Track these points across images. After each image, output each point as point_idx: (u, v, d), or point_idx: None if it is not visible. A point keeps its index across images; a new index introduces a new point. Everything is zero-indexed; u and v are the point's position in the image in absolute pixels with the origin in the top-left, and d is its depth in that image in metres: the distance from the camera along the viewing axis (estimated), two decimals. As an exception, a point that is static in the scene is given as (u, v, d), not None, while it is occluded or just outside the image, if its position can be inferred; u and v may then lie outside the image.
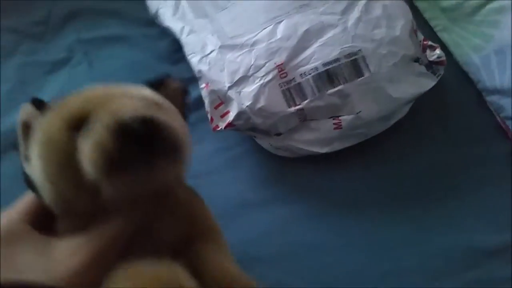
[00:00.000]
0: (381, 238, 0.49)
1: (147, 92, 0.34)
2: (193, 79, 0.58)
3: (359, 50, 0.50)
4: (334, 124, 0.51)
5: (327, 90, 0.50)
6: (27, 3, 0.72)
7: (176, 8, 0.60)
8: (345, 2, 0.53)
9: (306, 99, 0.50)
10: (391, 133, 0.54)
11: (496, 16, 0.59)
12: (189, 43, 0.56)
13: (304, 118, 0.51)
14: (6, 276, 0.28)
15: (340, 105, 0.50)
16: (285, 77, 0.50)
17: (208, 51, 0.54)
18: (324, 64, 0.50)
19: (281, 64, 0.50)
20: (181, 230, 0.35)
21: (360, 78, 0.50)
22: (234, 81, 0.51)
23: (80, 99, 0.31)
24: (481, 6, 0.61)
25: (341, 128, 0.51)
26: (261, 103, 0.50)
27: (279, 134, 0.52)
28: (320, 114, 0.51)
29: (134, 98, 0.31)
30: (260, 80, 0.50)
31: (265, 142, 0.54)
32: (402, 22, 0.53)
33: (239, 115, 0.50)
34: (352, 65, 0.50)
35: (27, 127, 0.32)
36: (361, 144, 0.53)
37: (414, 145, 0.55)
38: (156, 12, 0.63)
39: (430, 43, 0.56)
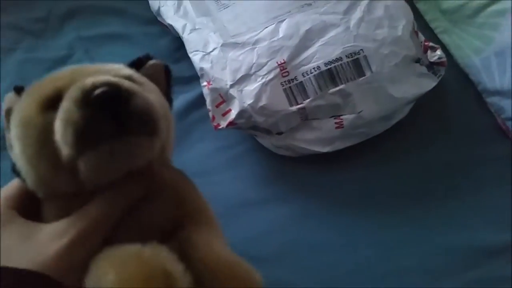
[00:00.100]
0: (382, 237, 0.49)
1: (125, 70, 0.33)
2: (194, 77, 0.58)
3: (361, 49, 0.51)
4: (335, 123, 0.51)
5: (329, 89, 0.50)
6: (28, 1, 0.72)
7: (178, 6, 0.60)
8: (347, 2, 0.53)
9: (307, 98, 0.50)
10: (392, 133, 0.54)
11: (496, 18, 0.59)
12: (191, 41, 0.56)
13: (305, 117, 0.51)
14: None
15: (341, 105, 0.50)
16: (287, 75, 0.50)
17: (210, 49, 0.54)
18: (326, 63, 0.50)
19: (283, 62, 0.50)
20: (169, 212, 0.34)
21: (362, 78, 0.50)
22: (236, 79, 0.51)
23: (53, 79, 0.31)
24: (481, 9, 0.61)
25: (343, 127, 0.51)
26: (263, 101, 0.50)
27: (280, 133, 0.52)
28: (322, 113, 0.51)
29: (108, 74, 0.31)
30: (262, 79, 0.50)
31: (266, 141, 0.54)
32: (403, 22, 0.53)
33: (240, 113, 0.50)
34: (354, 65, 0.50)
35: (9, 114, 0.32)
36: (362, 144, 0.53)
37: (415, 145, 0.56)
38: (158, 10, 0.63)
39: (431, 44, 0.56)
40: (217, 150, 0.57)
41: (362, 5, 0.53)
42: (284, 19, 0.53)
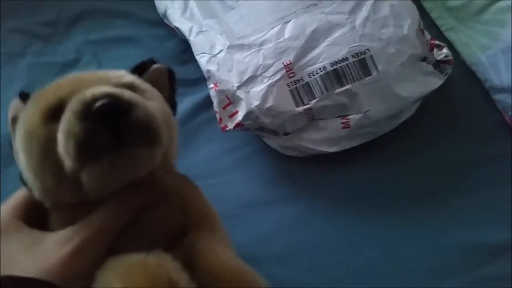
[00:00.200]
0: (388, 237, 0.49)
1: (127, 77, 0.33)
2: (201, 79, 0.58)
3: (367, 49, 0.51)
4: (342, 123, 0.51)
5: (335, 90, 0.50)
6: (35, 5, 0.73)
7: (185, 8, 0.60)
8: (352, 1, 0.54)
9: (314, 99, 0.50)
10: (399, 132, 0.54)
11: (502, 15, 0.59)
12: (197, 43, 0.57)
13: (312, 117, 0.51)
14: None
15: (348, 104, 0.51)
16: (293, 76, 0.50)
17: (217, 51, 0.54)
18: (332, 64, 0.50)
19: (289, 63, 0.50)
20: (174, 219, 0.34)
21: (368, 77, 0.50)
22: (243, 81, 0.51)
23: (56, 88, 0.31)
24: (487, 5, 0.61)
25: (349, 127, 0.51)
26: (270, 102, 0.50)
27: (287, 134, 0.52)
28: (328, 113, 0.51)
29: (110, 83, 0.31)
30: (268, 80, 0.50)
31: (273, 142, 0.54)
32: (409, 21, 0.53)
33: (247, 115, 0.51)
34: (360, 64, 0.50)
35: (15, 122, 0.32)
36: (369, 143, 0.53)
37: (421, 144, 0.56)
38: (165, 12, 0.64)
39: (437, 42, 0.56)
40: (225, 151, 0.57)
41: (368, 5, 0.53)
42: (290, 20, 0.53)
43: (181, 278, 0.28)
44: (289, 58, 0.51)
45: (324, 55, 0.51)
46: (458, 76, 0.59)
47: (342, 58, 0.50)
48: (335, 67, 0.50)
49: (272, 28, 0.53)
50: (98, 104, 0.27)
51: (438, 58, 0.55)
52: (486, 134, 0.56)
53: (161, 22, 0.67)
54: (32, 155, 0.30)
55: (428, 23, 0.64)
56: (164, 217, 0.33)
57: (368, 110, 0.50)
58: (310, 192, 0.53)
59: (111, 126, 0.27)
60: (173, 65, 0.64)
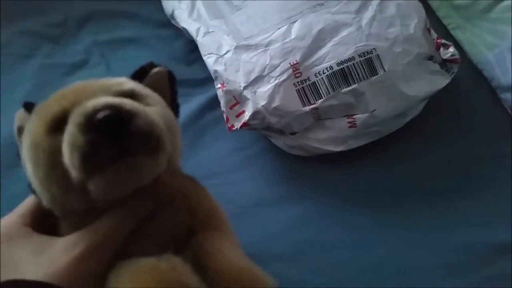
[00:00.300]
0: (395, 235, 0.49)
1: (128, 84, 0.34)
2: (208, 79, 0.58)
3: (374, 48, 0.51)
4: (348, 122, 0.51)
5: (342, 89, 0.50)
6: (44, 7, 0.74)
7: (192, 9, 0.61)
8: (359, 1, 0.54)
9: (320, 98, 0.50)
10: (406, 131, 0.54)
11: (509, 13, 0.59)
12: (205, 43, 0.57)
13: (318, 117, 0.51)
14: (3, 276, 0.29)
15: (354, 104, 0.51)
16: (299, 76, 0.51)
17: (224, 52, 0.54)
18: (339, 63, 0.50)
19: (296, 63, 0.51)
20: (181, 220, 0.34)
21: (375, 77, 0.50)
22: (250, 81, 0.52)
23: (59, 98, 0.32)
24: (494, 4, 0.61)
25: (356, 126, 0.51)
26: (276, 102, 0.50)
27: (294, 133, 0.52)
28: (335, 112, 0.51)
29: (111, 91, 0.31)
30: (275, 80, 0.51)
31: (280, 141, 0.55)
32: (415, 20, 0.53)
33: (254, 114, 0.51)
34: (367, 64, 0.50)
35: (21, 132, 0.33)
36: (376, 143, 0.53)
37: (428, 143, 0.55)
38: (172, 13, 0.64)
39: (443, 41, 0.56)
40: (232, 151, 0.57)
41: (374, 4, 0.53)
42: (297, 20, 0.53)
43: (192, 281, 0.28)
44: (295, 58, 0.51)
45: (331, 55, 0.51)
46: (464, 75, 0.59)
47: (349, 58, 0.50)
48: (341, 66, 0.50)
49: (279, 28, 0.53)
50: (99, 116, 0.27)
51: (445, 57, 0.55)
52: (492, 133, 0.56)
53: (168, 23, 0.68)
54: (39, 166, 0.30)
55: (434, 21, 0.64)
56: (171, 219, 0.34)
57: (374, 109, 0.51)
58: (316, 191, 0.53)
59: (113, 136, 0.28)
60: (180, 65, 0.66)
